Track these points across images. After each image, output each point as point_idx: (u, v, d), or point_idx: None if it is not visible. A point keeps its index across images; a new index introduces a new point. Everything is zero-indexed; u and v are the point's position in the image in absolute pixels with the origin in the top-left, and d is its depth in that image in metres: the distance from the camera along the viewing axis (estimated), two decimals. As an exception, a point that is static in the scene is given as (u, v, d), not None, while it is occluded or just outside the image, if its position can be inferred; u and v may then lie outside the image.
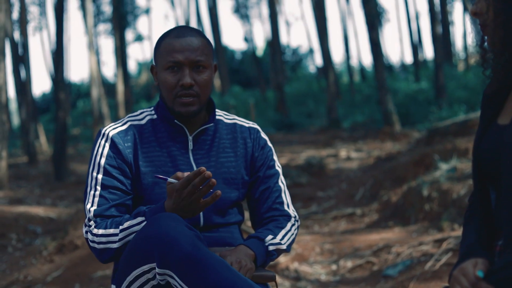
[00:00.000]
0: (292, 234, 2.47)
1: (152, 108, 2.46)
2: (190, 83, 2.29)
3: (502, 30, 1.79)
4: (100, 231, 2.24)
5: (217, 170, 2.40)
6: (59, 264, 5.95)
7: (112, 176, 2.30)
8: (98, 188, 2.30)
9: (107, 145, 2.33)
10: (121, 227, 2.22)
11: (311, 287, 5.09)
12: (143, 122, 2.40)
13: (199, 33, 2.37)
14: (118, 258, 2.27)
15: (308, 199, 9.40)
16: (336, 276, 5.40)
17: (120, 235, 2.21)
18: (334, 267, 5.65)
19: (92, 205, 2.29)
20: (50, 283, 5.60)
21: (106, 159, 2.32)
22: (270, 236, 2.38)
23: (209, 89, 2.37)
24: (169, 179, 2.17)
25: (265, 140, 2.55)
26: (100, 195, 2.29)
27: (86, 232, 2.28)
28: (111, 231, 2.23)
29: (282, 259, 5.76)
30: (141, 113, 2.45)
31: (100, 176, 2.31)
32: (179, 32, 2.33)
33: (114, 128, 2.37)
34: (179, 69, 2.30)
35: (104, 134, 2.36)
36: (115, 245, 2.22)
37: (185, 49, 2.29)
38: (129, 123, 2.39)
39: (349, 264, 5.60)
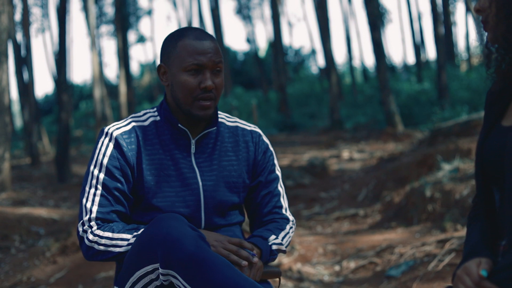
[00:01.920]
0: (290, 236, 2.51)
1: (155, 109, 2.44)
2: (212, 86, 2.28)
3: (504, 25, 1.79)
4: (106, 234, 2.23)
5: (219, 173, 2.40)
6: (62, 265, 5.95)
7: (114, 177, 2.29)
8: (99, 187, 2.28)
9: (111, 145, 2.32)
10: (135, 233, 2.22)
11: (314, 288, 5.08)
12: (146, 123, 2.38)
13: (212, 36, 2.36)
14: (106, 261, 2.28)
15: (311, 200, 9.39)
16: (339, 276, 5.39)
17: (132, 240, 2.20)
18: (337, 267, 5.65)
19: (92, 204, 2.27)
20: (53, 284, 5.60)
21: (109, 159, 2.30)
22: (273, 236, 2.40)
23: (222, 92, 2.37)
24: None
25: (267, 144, 2.55)
26: (101, 195, 2.28)
27: (85, 231, 2.26)
28: (121, 235, 2.22)
29: (285, 260, 5.76)
30: (144, 114, 2.42)
31: (101, 176, 2.29)
32: (197, 34, 2.31)
33: (118, 128, 2.35)
34: (200, 71, 2.28)
35: (107, 133, 2.34)
36: (120, 249, 2.21)
37: (207, 51, 2.28)
38: (132, 124, 2.37)
39: (352, 264, 5.60)
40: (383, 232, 6.67)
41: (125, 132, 2.34)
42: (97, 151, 2.32)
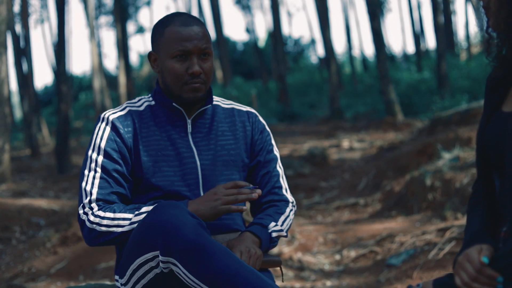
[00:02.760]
0: (290, 219, 2.50)
1: (149, 95, 2.47)
2: (200, 71, 2.30)
3: (506, 10, 1.79)
4: (108, 214, 2.23)
5: (217, 152, 2.42)
6: (63, 256, 5.96)
7: (112, 159, 2.31)
8: (98, 170, 2.30)
9: (108, 128, 2.34)
10: (136, 212, 2.22)
11: (315, 277, 5.09)
12: (142, 108, 2.42)
13: (199, 20, 2.38)
14: (108, 244, 2.28)
15: (311, 190, 9.40)
16: (340, 265, 5.40)
17: (134, 219, 2.21)
18: (337, 257, 5.65)
19: (92, 187, 2.28)
20: (54, 274, 5.61)
21: (107, 142, 2.32)
22: (272, 223, 2.39)
23: (212, 76, 2.39)
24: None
25: (264, 124, 2.57)
26: (101, 177, 2.29)
27: (85, 213, 2.26)
28: (123, 215, 2.23)
29: (286, 249, 5.77)
30: (139, 100, 2.46)
31: (100, 159, 2.31)
32: (183, 20, 2.33)
33: (113, 113, 2.38)
34: (187, 57, 2.31)
35: (104, 118, 2.37)
36: (122, 229, 2.21)
37: (193, 37, 2.30)
38: (128, 109, 2.41)
39: (353, 253, 5.60)
40: (383, 221, 6.67)
41: (121, 116, 2.37)
42: (95, 135, 2.35)
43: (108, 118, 2.36)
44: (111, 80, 37.38)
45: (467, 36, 32.92)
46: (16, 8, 24.26)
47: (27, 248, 6.53)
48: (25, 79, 20.14)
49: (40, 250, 6.30)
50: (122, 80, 24.60)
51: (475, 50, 31.55)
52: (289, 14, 58.66)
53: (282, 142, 14.94)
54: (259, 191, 2.22)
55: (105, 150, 2.31)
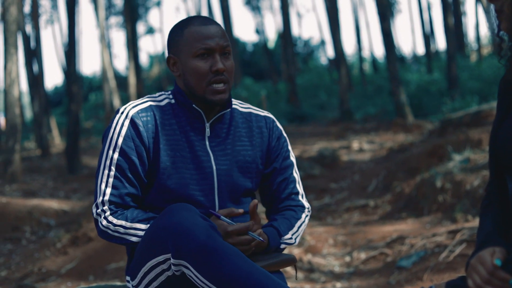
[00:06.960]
0: (305, 225, 2.51)
1: (169, 92, 2.43)
2: (224, 68, 2.28)
3: None
4: (120, 222, 2.23)
5: (233, 158, 2.40)
6: (73, 256, 5.97)
7: (128, 158, 2.27)
8: (113, 168, 2.27)
9: (126, 123, 2.29)
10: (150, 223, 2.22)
11: (325, 279, 5.08)
12: (163, 103, 2.38)
13: (216, 21, 2.36)
14: (122, 245, 2.28)
15: (321, 191, 9.39)
16: (350, 267, 5.39)
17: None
18: (347, 258, 5.64)
19: (106, 186, 2.27)
20: (64, 275, 5.63)
21: (124, 139, 2.28)
22: (288, 235, 2.40)
23: (233, 76, 2.37)
24: (221, 217, 2.23)
25: (281, 130, 2.55)
26: (115, 176, 2.27)
27: (98, 214, 2.26)
28: (137, 225, 2.22)
29: (296, 251, 5.76)
30: (160, 95, 2.42)
31: (116, 156, 2.27)
32: (202, 20, 2.33)
33: (134, 106, 2.33)
34: (209, 55, 2.29)
35: (123, 112, 2.32)
36: (137, 239, 2.21)
37: (215, 35, 2.29)
38: (149, 103, 2.36)
39: (363, 255, 5.59)
40: (393, 223, 6.66)
41: (142, 110, 2.32)
42: (112, 130, 2.30)
43: (128, 113, 2.31)
44: (121, 81, 37.43)
45: (478, 38, 32.80)
46: (27, 8, 24.37)
47: (38, 248, 6.55)
48: (35, 79, 20.21)
49: (50, 250, 6.32)
50: (132, 80, 24.65)
51: (486, 51, 31.44)
52: (299, 15, 58.54)
53: (292, 143, 14.81)
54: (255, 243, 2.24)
55: (121, 148, 2.28)
